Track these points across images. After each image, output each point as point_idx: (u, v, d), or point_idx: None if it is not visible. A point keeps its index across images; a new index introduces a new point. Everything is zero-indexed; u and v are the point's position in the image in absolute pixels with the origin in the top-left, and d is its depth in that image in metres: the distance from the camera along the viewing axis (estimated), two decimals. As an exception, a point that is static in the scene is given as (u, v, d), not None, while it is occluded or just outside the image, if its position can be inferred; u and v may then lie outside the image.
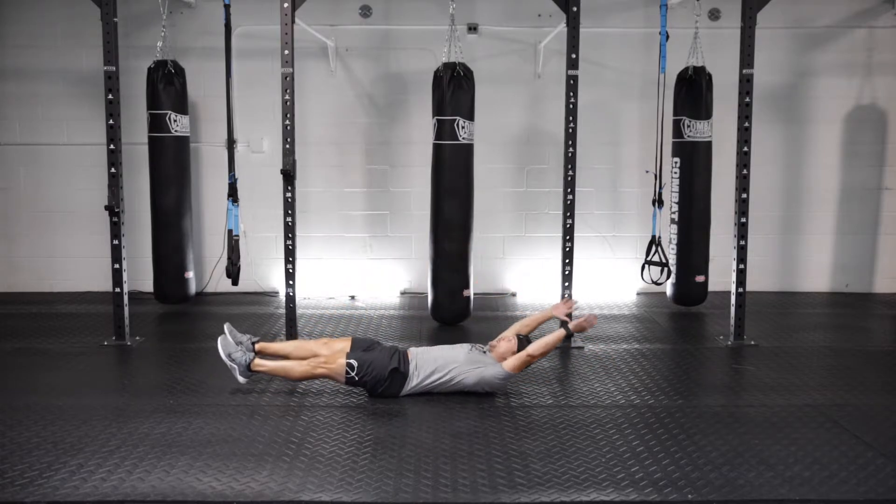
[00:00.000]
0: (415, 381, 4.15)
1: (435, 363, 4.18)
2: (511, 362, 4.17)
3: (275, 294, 6.81)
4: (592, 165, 6.74)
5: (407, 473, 3.27)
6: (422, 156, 6.27)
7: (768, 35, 6.37)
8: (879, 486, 3.18)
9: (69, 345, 5.19)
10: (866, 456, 3.46)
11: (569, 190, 5.14)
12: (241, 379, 4.23)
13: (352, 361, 4.11)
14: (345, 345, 4.28)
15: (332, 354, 4.20)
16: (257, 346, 4.34)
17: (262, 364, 4.23)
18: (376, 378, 4.10)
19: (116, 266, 5.12)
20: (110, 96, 5.02)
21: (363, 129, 6.82)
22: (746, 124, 5.10)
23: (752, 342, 5.26)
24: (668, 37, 5.68)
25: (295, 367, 4.20)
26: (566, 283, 5.20)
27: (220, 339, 4.29)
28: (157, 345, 5.30)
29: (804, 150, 6.90)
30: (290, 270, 5.15)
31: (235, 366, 4.21)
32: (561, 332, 4.23)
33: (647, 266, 5.89)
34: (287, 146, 5.06)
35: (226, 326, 4.41)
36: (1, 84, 6.69)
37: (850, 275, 7.02)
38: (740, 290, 5.20)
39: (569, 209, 5.16)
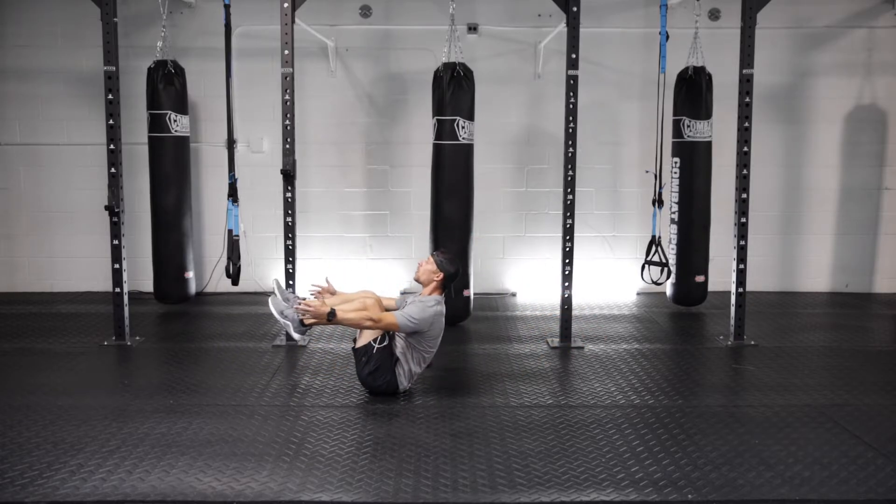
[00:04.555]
0: (401, 368, 4.15)
1: (401, 344, 4.16)
2: (391, 330, 4.11)
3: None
4: (592, 165, 6.74)
5: (407, 473, 3.27)
6: (422, 156, 6.27)
7: (768, 35, 6.38)
8: (879, 486, 3.18)
9: (69, 345, 5.19)
10: (866, 456, 3.46)
11: (569, 190, 5.14)
12: (296, 336, 4.15)
13: (396, 333, 4.12)
14: (393, 317, 4.13)
15: (385, 306, 4.21)
16: (302, 305, 4.16)
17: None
18: (383, 367, 4.09)
19: (116, 266, 5.12)
20: (110, 96, 5.02)
21: (363, 129, 6.82)
22: (746, 124, 5.10)
23: (752, 342, 5.26)
24: (668, 37, 5.68)
25: (349, 315, 4.04)
26: (566, 283, 5.20)
27: (270, 300, 4.22)
28: (157, 345, 5.29)
29: (804, 150, 6.90)
30: (290, 270, 5.15)
31: (289, 322, 4.13)
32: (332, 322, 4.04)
33: (647, 266, 5.89)
34: (287, 146, 5.06)
35: (274, 283, 4.36)
36: (1, 84, 6.69)
37: (850, 275, 7.02)
38: (740, 290, 5.20)
39: (569, 209, 5.15)
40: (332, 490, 3.12)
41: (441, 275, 4.28)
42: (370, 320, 4.01)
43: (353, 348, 4.19)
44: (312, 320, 4.01)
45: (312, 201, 6.80)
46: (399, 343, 4.17)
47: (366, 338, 4.12)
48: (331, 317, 3.97)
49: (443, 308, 4.24)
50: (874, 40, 6.77)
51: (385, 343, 4.09)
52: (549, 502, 3.03)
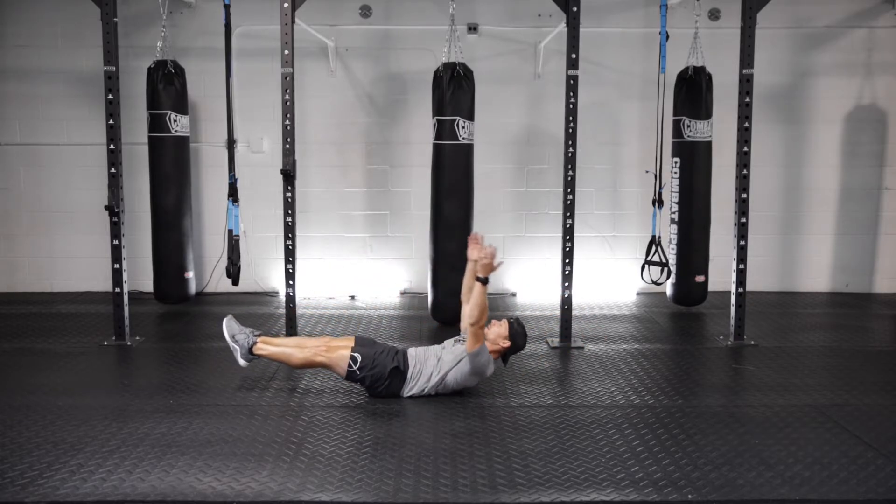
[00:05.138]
0: (416, 383, 4.14)
1: (433, 366, 4.16)
2: (469, 342, 4.08)
3: (275, 294, 6.81)
4: (592, 165, 6.74)
5: (407, 473, 3.27)
6: (422, 156, 6.27)
7: (768, 35, 6.38)
8: (879, 486, 3.18)
9: (69, 345, 5.19)
10: (866, 456, 3.46)
11: (569, 190, 5.14)
12: (241, 362, 4.26)
13: (356, 355, 4.11)
14: (348, 342, 4.25)
15: (336, 346, 4.19)
16: (259, 339, 4.33)
17: (263, 348, 4.25)
18: (376, 376, 4.09)
19: (116, 266, 5.12)
20: (110, 96, 5.02)
21: (363, 129, 6.82)
22: (746, 124, 5.10)
23: (752, 342, 5.26)
24: (668, 37, 5.68)
25: (296, 353, 4.21)
26: (566, 283, 5.20)
27: (224, 321, 4.33)
28: (157, 345, 5.29)
29: (804, 150, 6.90)
30: (290, 270, 5.15)
31: (238, 347, 4.25)
32: (478, 286, 4.06)
33: (647, 266, 5.89)
34: (287, 146, 5.06)
35: (229, 316, 4.42)
36: (1, 84, 6.69)
37: (850, 275, 7.02)
38: (740, 290, 5.20)
39: (569, 209, 5.15)
40: (332, 490, 3.12)
41: (509, 344, 4.26)
42: (479, 318, 4.01)
43: (343, 378, 4.21)
44: (476, 259, 4.11)
45: (312, 201, 6.80)
46: (433, 366, 4.16)
47: (340, 368, 4.13)
48: (486, 281, 4.06)
49: (487, 375, 4.26)
50: (874, 40, 6.77)
51: (358, 365, 4.09)
52: (549, 502, 3.03)
